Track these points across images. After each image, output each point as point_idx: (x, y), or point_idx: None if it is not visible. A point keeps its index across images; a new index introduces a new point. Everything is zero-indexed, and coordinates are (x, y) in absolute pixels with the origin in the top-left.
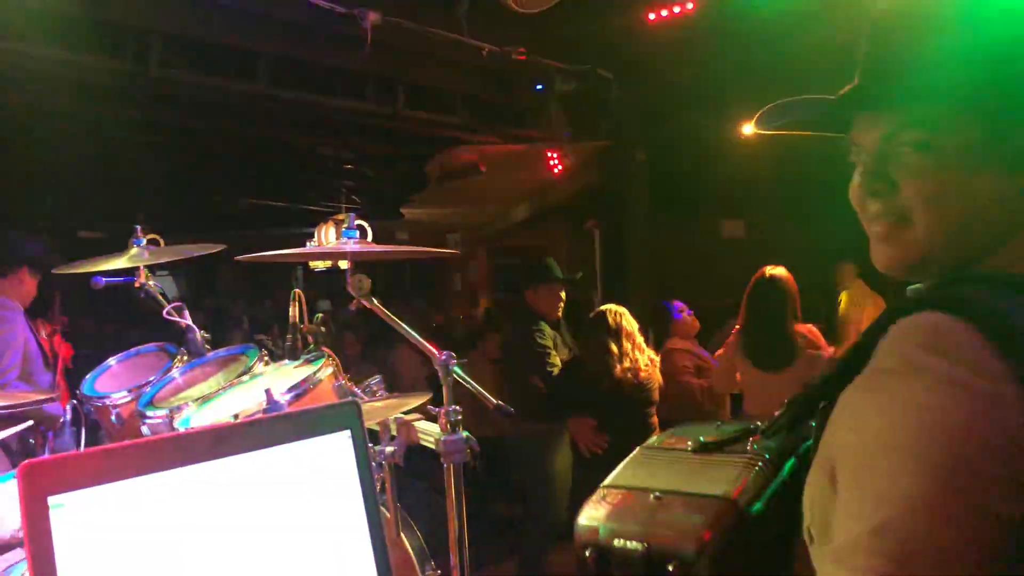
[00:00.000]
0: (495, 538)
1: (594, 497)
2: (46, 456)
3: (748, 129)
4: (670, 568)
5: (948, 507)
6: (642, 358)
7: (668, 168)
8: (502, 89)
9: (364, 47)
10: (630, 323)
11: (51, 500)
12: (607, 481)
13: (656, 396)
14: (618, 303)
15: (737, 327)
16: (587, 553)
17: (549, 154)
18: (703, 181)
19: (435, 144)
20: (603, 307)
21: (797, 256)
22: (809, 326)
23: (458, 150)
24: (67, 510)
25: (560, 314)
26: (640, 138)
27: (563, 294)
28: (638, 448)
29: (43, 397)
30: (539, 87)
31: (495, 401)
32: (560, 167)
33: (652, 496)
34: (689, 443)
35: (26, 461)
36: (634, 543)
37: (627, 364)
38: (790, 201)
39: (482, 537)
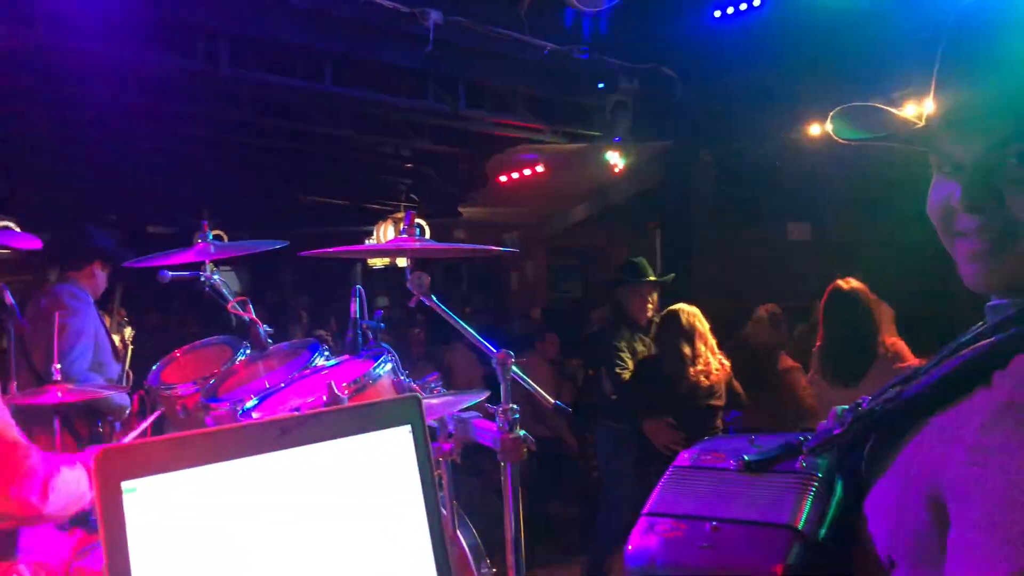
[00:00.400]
0: (550, 539)
1: (639, 527)
2: (121, 442)
3: (816, 129)
4: None
5: None
6: (713, 361)
7: (733, 168)
8: (563, 88)
9: (426, 46)
10: (703, 324)
11: (124, 485)
12: (651, 508)
13: (724, 400)
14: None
15: (817, 344)
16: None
17: (610, 153)
18: (769, 182)
19: (495, 143)
20: (675, 307)
21: (867, 261)
22: (894, 339)
23: (518, 149)
24: (139, 495)
25: (650, 315)
26: (704, 138)
27: (654, 296)
28: (672, 468)
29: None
30: (601, 86)
31: (553, 400)
32: (621, 167)
33: (709, 526)
34: (732, 461)
35: (101, 446)
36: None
37: (700, 367)
38: (859, 203)
39: (537, 538)
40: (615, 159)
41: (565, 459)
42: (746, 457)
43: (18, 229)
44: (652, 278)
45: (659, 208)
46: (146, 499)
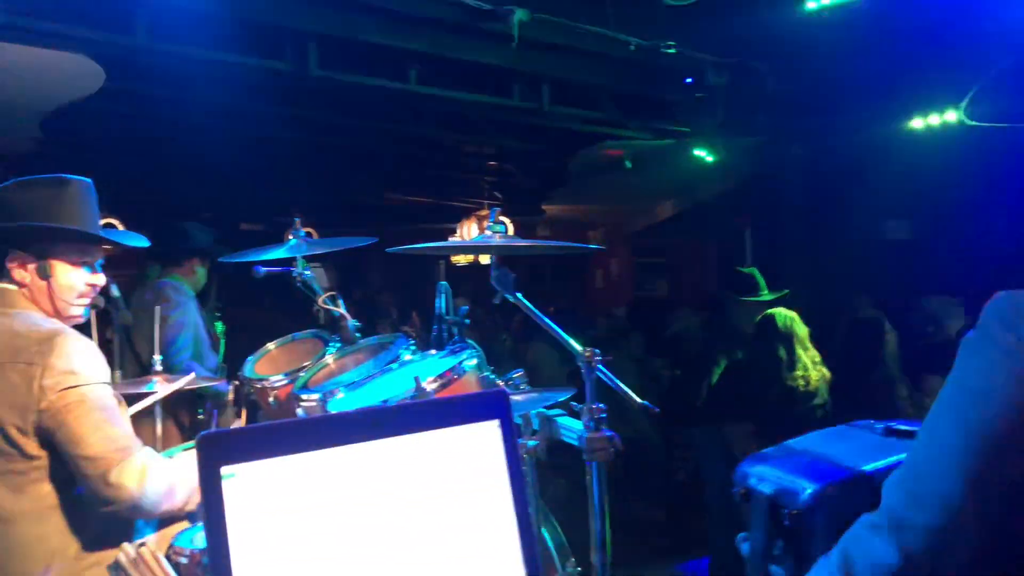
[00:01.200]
0: (634, 541)
1: (769, 450)
2: (222, 428)
3: (917, 123)
4: (787, 512)
5: None
6: (813, 366)
7: (826, 164)
8: (650, 83)
9: (511, 44)
10: (801, 328)
11: (223, 470)
12: (790, 441)
13: (824, 405)
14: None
15: None
16: (737, 491)
17: (698, 150)
18: (865, 178)
19: (580, 140)
20: (772, 311)
21: (967, 260)
22: None
23: (603, 145)
24: (237, 480)
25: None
26: (796, 132)
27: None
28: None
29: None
30: (689, 80)
31: (639, 400)
32: (709, 162)
33: (807, 457)
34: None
35: (203, 432)
36: (766, 485)
37: (799, 371)
38: (960, 201)
39: (620, 539)
40: (703, 155)
41: (650, 460)
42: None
43: (121, 227)
44: (767, 296)
45: (748, 205)
46: (244, 484)
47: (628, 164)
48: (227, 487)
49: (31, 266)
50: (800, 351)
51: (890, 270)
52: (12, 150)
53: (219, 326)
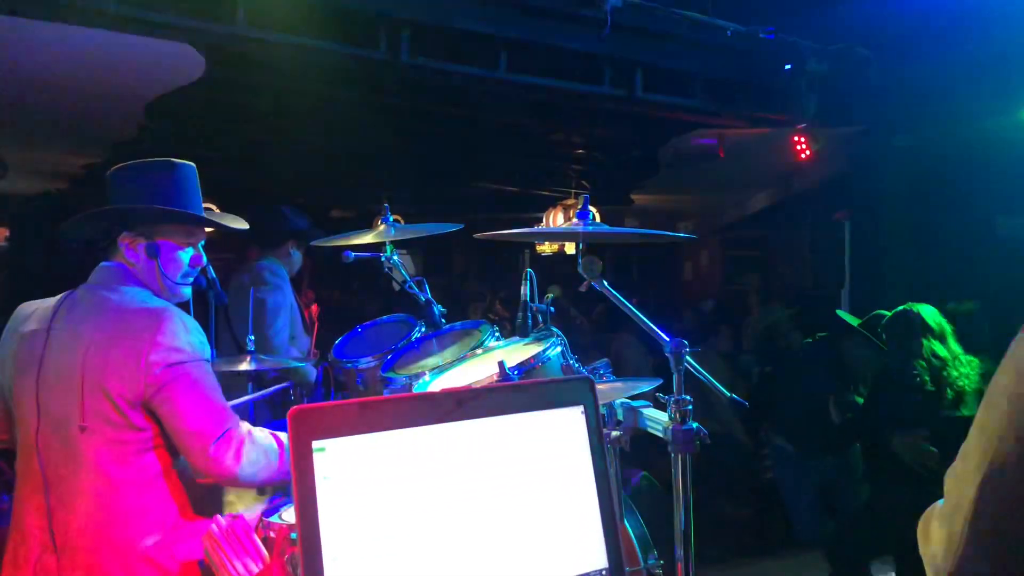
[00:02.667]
0: (717, 537)
1: None
2: (313, 404)
3: None
4: None
5: None
6: (968, 362)
7: (933, 155)
8: (747, 70)
9: (604, 30)
10: (946, 323)
11: (314, 444)
12: None
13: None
14: (869, 303)
15: None
16: None
17: (796, 139)
18: (976, 170)
19: (672, 128)
20: (909, 307)
21: None
22: None
23: (696, 134)
24: (328, 454)
25: None
26: (901, 122)
27: None
28: None
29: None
30: (788, 67)
31: (729, 394)
32: (808, 153)
33: None
34: None
35: (295, 407)
36: None
37: (955, 371)
38: None
39: (703, 534)
40: (801, 144)
41: (737, 456)
42: None
43: (219, 211)
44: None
45: (848, 197)
46: (334, 458)
47: (721, 153)
48: (317, 461)
49: (140, 246)
50: (951, 346)
51: (1002, 269)
52: (119, 136)
53: (314, 309)
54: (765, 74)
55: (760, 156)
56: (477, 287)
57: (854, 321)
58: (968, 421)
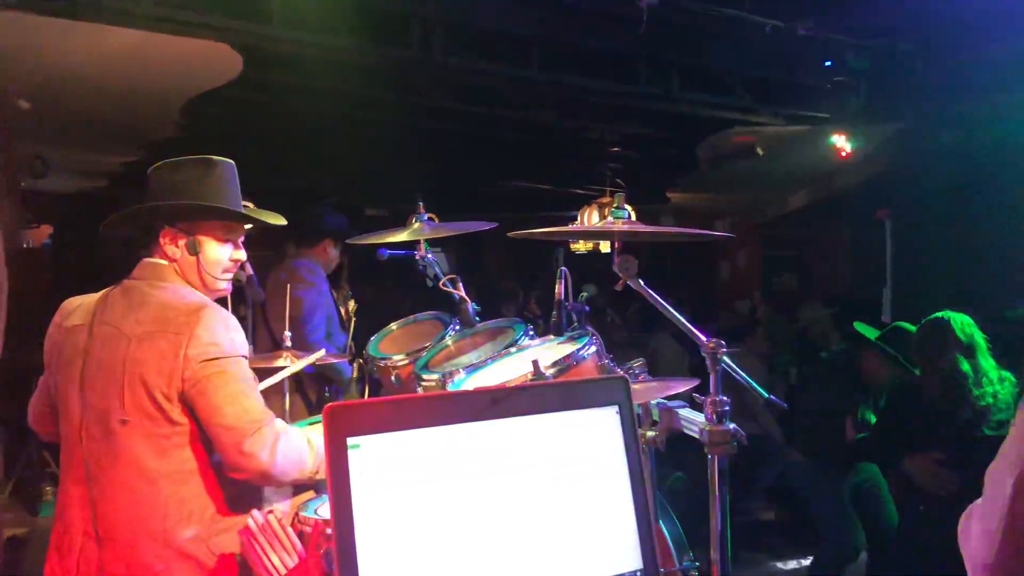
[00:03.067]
0: (752, 540)
1: None
2: (348, 401)
3: None
4: None
5: None
6: (999, 379)
7: (978, 153)
8: (786, 67)
9: (639, 28)
10: (980, 336)
11: (349, 441)
12: None
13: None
14: (911, 304)
15: None
16: None
17: (836, 137)
18: (1022, 169)
19: (708, 126)
20: (940, 315)
21: None
22: None
23: (733, 132)
24: (362, 451)
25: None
26: (946, 118)
27: None
28: None
29: (336, 357)
30: (828, 64)
31: (766, 395)
32: (848, 151)
33: None
34: None
35: (330, 404)
36: None
37: (988, 387)
38: None
39: (738, 537)
40: (841, 143)
41: (774, 459)
42: None
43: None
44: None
45: (890, 196)
46: (368, 455)
47: (759, 151)
48: (352, 457)
49: (181, 242)
50: (983, 361)
51: None
52: (156, 135)
53: (352, 306)
54: (804, 71)
55: (799, 154)
56: (511, 286)
57: (872, 334)
58: (992, 440)
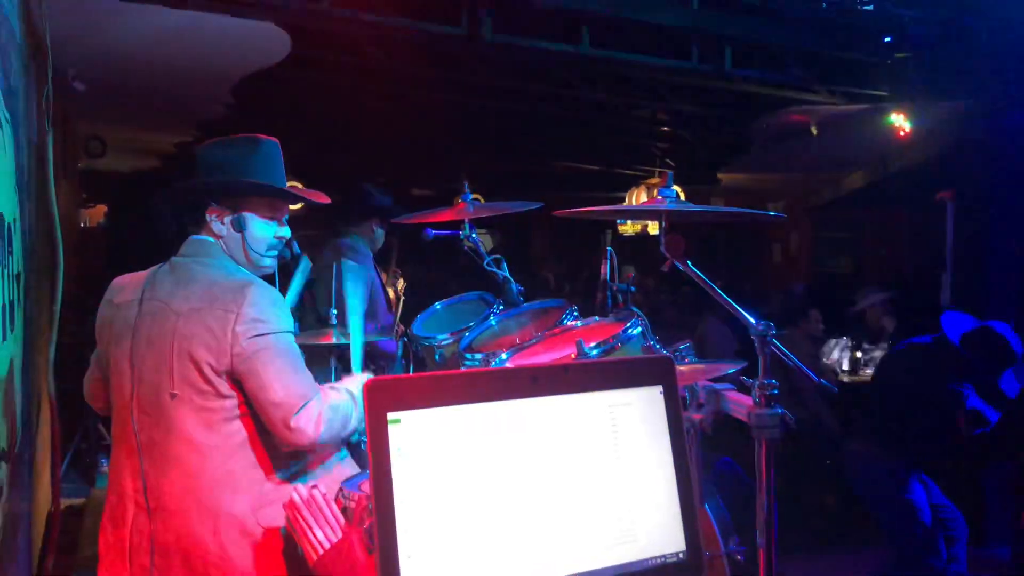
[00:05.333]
0: (801, 525)
1: None
2: (389, 376)
3: None
4: None
5: None
6: None
7: None
8: (844, 43)
9: (692, 3)
10: None
11: (389, 416)
12: None
13: None
14: (971, 289)
15: None
16: None
17: (895, 115)
18: None
19: (762, 104)
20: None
21: None
22: None
23: (787, 110)
24: (402, 426)
25: None
26: (1014, 96)
27: None
28: None
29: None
30: (888, 39)
31: (817, 379)
32: (908, 130)
33: None
34: None
35: (371, 378)
36: None
37: None
38: None
39: (787, 522)
40: (900, 121)
41: (823, 444)
42: None
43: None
44: None
45: (952, 177)
46: (408, 430)
47: (813, 131)
48: (392, 432)
49: (227, 219)
50: None
51: None
52: (207, 115)
53: (401, 285)
54: (863, 47)
55: (856, 133)
56: (552, 268)
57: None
58: None
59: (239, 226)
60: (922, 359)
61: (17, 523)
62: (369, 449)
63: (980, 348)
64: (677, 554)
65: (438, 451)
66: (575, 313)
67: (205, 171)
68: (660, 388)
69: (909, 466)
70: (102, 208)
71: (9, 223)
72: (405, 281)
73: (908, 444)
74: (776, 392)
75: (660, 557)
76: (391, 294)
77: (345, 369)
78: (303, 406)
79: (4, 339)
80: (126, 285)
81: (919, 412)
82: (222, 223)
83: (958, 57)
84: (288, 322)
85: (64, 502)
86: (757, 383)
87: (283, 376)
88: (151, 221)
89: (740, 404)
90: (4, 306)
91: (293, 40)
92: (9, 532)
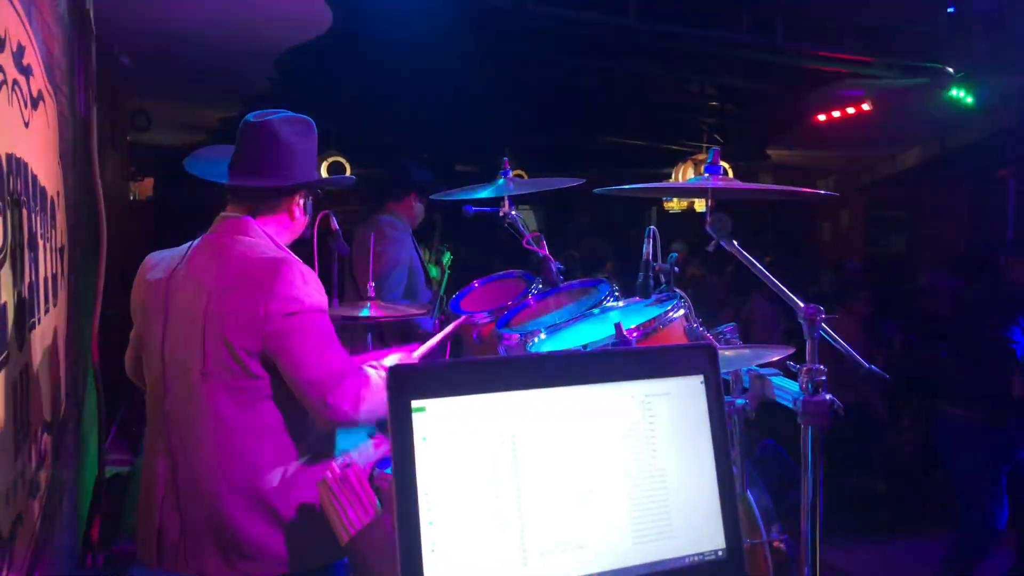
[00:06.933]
0: (850, 512)
1: None
2: (411, 362)
3: None
4: None
5: None
6: None
7: None
8: (903, 14)
9: None
10: None
11: (414, 404)
12: None
13: None
14: None
15: None
16: None
17: (955, 90)
18: None
19: (814, 78)
20: None
21: None
22: None
23: (841, 84)
24: (427, 414)
25: None
26: None
27: None
28: None
29: (419, 312)
30: (951, 10)
31: (868, 365)
32: (969, 104)
33: None
34: None
35: (394, 364)
36: None
37: None
38: None
39: (835, 509)
40: (962, 95)
41: (873, 429)
42: None
43: (347, 164)
44: None
45: (1014, 153)
46: (433, 419)
47: (868, 105)
48: (416, 421)
49: (303, 203)
50: None
51: None
52: (251, 89)
53: (447, 258)
54: (922, 17)
55: (913, 108)
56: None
57: None
58: None
59: (308, 210)
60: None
61: (63, 491)
62: (392, 437)
63: None
64: (716, 552)
65: (465, 440)
66: (616, 293)
67: (292, 155)
68: (701, 378)
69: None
70: (150, 181)
71: (52, 197)
72: (452, 255)
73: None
74: (824, 378)
75: (698, 555)
76: (437, 271)
77: (382, 344)
78: (339, 383)
79: (47, 311)
80: (159, 262)
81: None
82: (301, 208)
83: (1021, 28)
84: (322, 301)
85: (110, 471)
86: (804, 369)
87: (318, 353)
88: (199, 198)
89: (786, 390)
90: (47, 279)
91: (334, 13)
92: (55, 500)
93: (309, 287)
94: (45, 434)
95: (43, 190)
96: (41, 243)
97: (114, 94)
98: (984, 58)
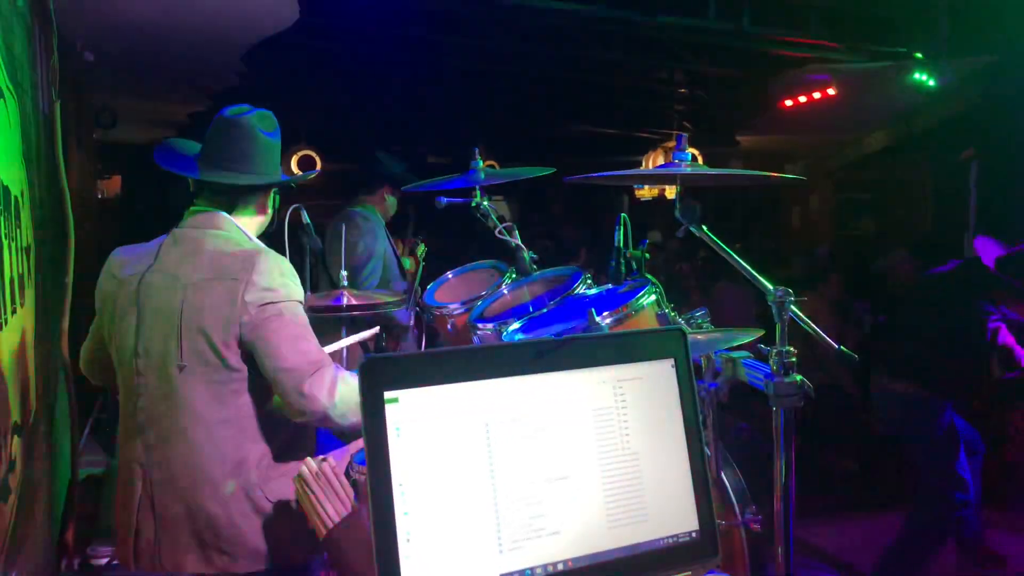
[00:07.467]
0: (822, 492)
1: None
2: (385, 353)
3: None
4: None
5: None
6: None
7: None
8: None
9: None
10: None
11: (387, 394)
12: None
13: None
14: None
15: None
16: None
17: (918, 73)
18: None
19: (781, 63)
20: None
21: None
22: None
23: (807, 69)
24: (400, 405)
25: None
26: None
27: None
28: None
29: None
30: None
31: (837, 346)
32: (932, 87)
33: None
34: None
35: (368, 356)
36: None
37: None
38: None
39: (808, 489)
40: (924, 79)
41: (844, 410)
42: None
43: (319, 159)
44: None
45: (975, 135)
46: (406, 409)
47: (833, 90)
48: (389, 412)
49: (271, 201)
50: None
51: None
52: (220, 83)
53: (421, 250)
54: (886, 2)
55: (877, 92)
56: (571, 233)
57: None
58: None
59: (276, 204)
60: (952, 284)
61: (35, 494)
62: (364, 429)
63: (1019, 268)
64: (690, 533)
65: (438, 430)
66: (588, 281)
67: (261, 154)
68: (672, 361)
69: (946, 404)
70: (118, 179)
71: (16, 196)
72: (426, 247)
73: (943, 382)
74: (795, 360)
75: (671, 537)
76: (411, 263)
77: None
78: (315, 372)
79: (15, 312)
80: (128, 258)
81: (950, 344)
82: (270, 205)
83: (982, 11)
84: (298, 291)
85: (84, 472)
86: (774, 351)
87: (293, 343)
88: (169, 196)
89: (757, 373)
90: (13, 279)
91: (301, 5)
92: (27, 503)
93: (286, 278)
94: (15, 437)
95: (6, 189)
96: (6, 243)
97: (79, 91)
98: (944, 41)
